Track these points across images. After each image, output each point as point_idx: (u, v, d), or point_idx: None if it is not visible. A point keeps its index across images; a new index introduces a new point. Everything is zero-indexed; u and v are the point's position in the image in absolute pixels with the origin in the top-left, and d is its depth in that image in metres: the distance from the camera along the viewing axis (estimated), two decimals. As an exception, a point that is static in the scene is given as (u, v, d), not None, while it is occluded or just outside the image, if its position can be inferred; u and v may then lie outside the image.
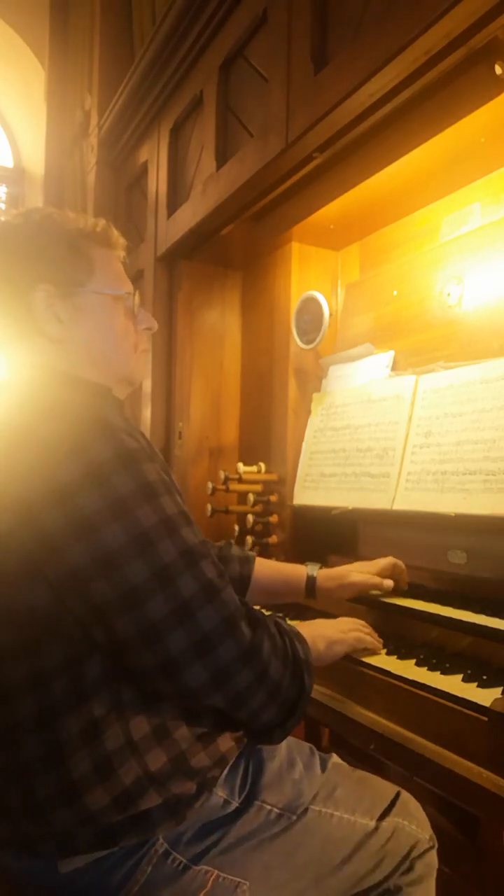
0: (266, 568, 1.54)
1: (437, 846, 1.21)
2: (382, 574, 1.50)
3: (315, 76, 1.49)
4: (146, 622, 0.88)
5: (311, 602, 1.55)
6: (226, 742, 1.03)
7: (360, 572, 1.49)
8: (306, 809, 1.08)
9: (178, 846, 0.97)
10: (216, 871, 0.98)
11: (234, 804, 1.03)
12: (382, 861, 1.13)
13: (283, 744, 1.15)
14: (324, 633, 1.20)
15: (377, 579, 1.48)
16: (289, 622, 1.14)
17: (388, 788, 1.20)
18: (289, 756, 1.14)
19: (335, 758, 1.22)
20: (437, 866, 1.22)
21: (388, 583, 1.49)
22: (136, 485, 0.89)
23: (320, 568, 1.52)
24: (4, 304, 1.08)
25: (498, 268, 1.58)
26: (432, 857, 1.20)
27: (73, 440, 0.88)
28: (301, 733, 2.10)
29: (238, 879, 0.99)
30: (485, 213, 1.66)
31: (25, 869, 0.97)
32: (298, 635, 1.08)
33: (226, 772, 1.04)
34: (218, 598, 0.92)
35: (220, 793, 1.02)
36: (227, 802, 1.03)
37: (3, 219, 1.11)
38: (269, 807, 1.06)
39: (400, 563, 1.53)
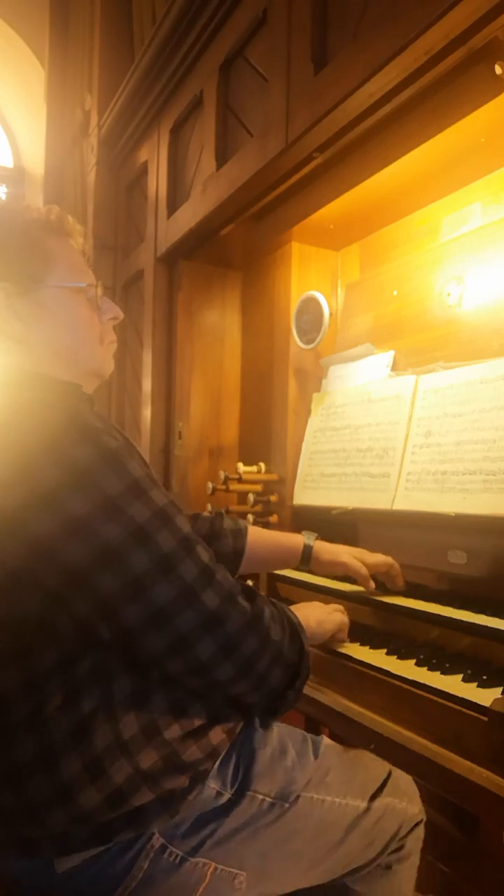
0: (260, 537, 1.53)
1: (425, 819, 1.25)
2: (375, 569, 1.50)
3: (315, 76, 1.49)
4: (154, 607, 0.89)
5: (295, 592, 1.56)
6: (217, 735, 1.03)
7: (352, 556, 1.49)
8: (298, 797, 1.09)
9: (175, 840, 0.97)
10: (213, 864, 0.99)
11: (227, 795, 1.04)
12: (374, 840, 1.16)
13: (275, 731, 1.16)
14: (313, 614, 1.23)
15: (364, 573, 1.47)
16: None
17: (380, 767, 1.22)
18: (280, 744, 1.14)
19: (326, 740, 1.22)
20: (423, 837, 1.26)
21: (371, 585, 1.49)
22: (124, 484, 0.89)
23: (316, 538, 1.53)
24: None
25: (498, 268, 1.58)
26: (420, 831, 1.24)
27: (51, 444, 0.88)
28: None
29: (235, 871, 1.01)
30: (485, 213, 1.66)
31: (22, 869, 0.97)
32: (289, 608, 1.12)
33: (217, 764, 1.04)
34: (215, 579, 0.95)
35: (212, 784, 1.03)
36: (219, 794, 1.03)
37: None
38: (261, 796, 1.06)
39: (396, 565, 1.52)
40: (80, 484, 0.86)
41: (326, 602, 1.37)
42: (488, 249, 1.61)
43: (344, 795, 1.14)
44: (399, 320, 1.85)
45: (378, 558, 1.52)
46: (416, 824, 1.23)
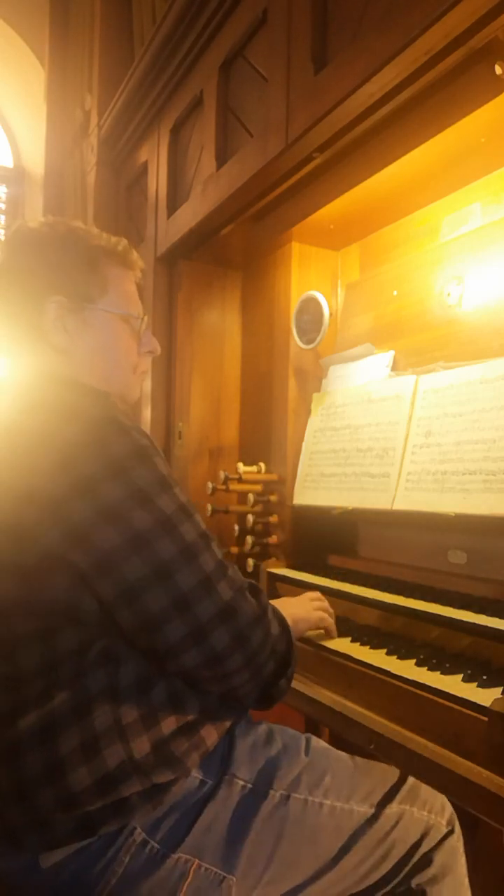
0: None
1: (457, 830, 1.18)
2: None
3: (315, 76, 1.49)
4: (178, 593, 0.94)
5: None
6: (209, 733, 1.04)
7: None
8: (288, 797, 1.07)
9: (155, 834, 0.98)
10: (197, 860, 0.98)
11: (209, 784, 1.04)
12: (390, 851, 1.11)
13: (263, 725, 1.16)
14: (290, 611, 1.25)
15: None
16: None
17: (390, 773, 1.18)
18: (267, 735, 1.14)
19: (323, 743, 1.20)
20: (461, 851, 1.18)
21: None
22: (153, 477, 0.97)
23: None
24: (16, 309, 1.12)
25: (498, 268, 1.58)
26: (453, 844, 1.17)
27: (93, 438, 0.95)
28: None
29: (223, 873, 0.99)
30: (485, 213, 1.66)
31: (8, 868, 0.99)
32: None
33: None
34: (228, 573, 1.01)
35: (195, 774, 1.03)
36: (202, 783, 1.04)
37: (30, 225, 1.15)
38: (240, 781, 1.06)
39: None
40: (114, 473, 0.93)
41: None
42: (488, 249, 1.61)
43: (346, 800, 1.11)
44: (399, 320, 1.85)
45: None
46: (446, 836, 1.16)
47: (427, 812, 1.15)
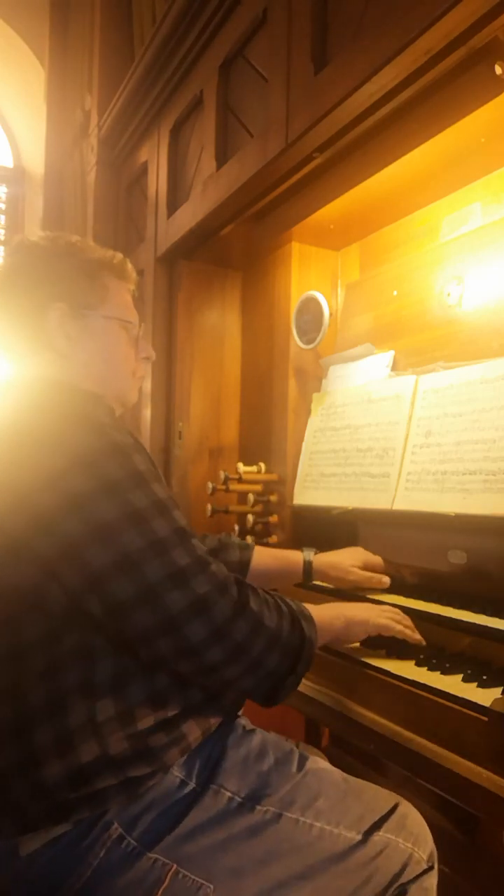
0: (264, 554, 1.60)
1: (436, 867, 1.15)
2: (376, 569, 1.61)
3: (315, 76, 1.49)
4: (145, 583, 0.95)
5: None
6: (191, 729, 1.04)
7: (356, 567, 1.59)
8: (280, 815, 1.04)
9: (133, 830, 0.97)
10: (174, 865, 0.95)
11: (191, 786, 1.02)
12: (371, 878, 1.07)
13: (258, 736, 1.14)
14: (345, 614, 1.24)
15: (374, 583, 1.58)
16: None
17: (383, 799, 1.15)
18: (261, 748, 1.11)
19: (321, 763, 1.17)
20: (434, 891, 1.15)
21: (385, 580, 1.57)
22: (126, 472, 0.97)
23: (315, 553, 1.60)
24: (22, 316, 1.18)
25: (498, 268, 1.58)
26: (430, 881, 1.13)
27: (60, 433, 0.98)
28: (301, 733, 2.10)
29: (200, 881, 0.96)
30: (485, 213, 1.66)
31: None
32: (288, 598, 1.14)
33: (186, 756, 1.04)
34: (209, 569, 1.00)
35: (176, 773, 1.02)
36: (183, 783, 1.02)
37: (31, 239, 1.22)
38: (228, 793, 1.03)
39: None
40: (83, 465, 0.95)
41: (324, 601, 1.37)
42: (488, 249, 1.61)
43: (336, 824, 1.07)
44: (399, 320, 1.85)
45: (376, 558, 1.61)
46: (424, 872, 1.12)
47: (411, 844, 1.12)
